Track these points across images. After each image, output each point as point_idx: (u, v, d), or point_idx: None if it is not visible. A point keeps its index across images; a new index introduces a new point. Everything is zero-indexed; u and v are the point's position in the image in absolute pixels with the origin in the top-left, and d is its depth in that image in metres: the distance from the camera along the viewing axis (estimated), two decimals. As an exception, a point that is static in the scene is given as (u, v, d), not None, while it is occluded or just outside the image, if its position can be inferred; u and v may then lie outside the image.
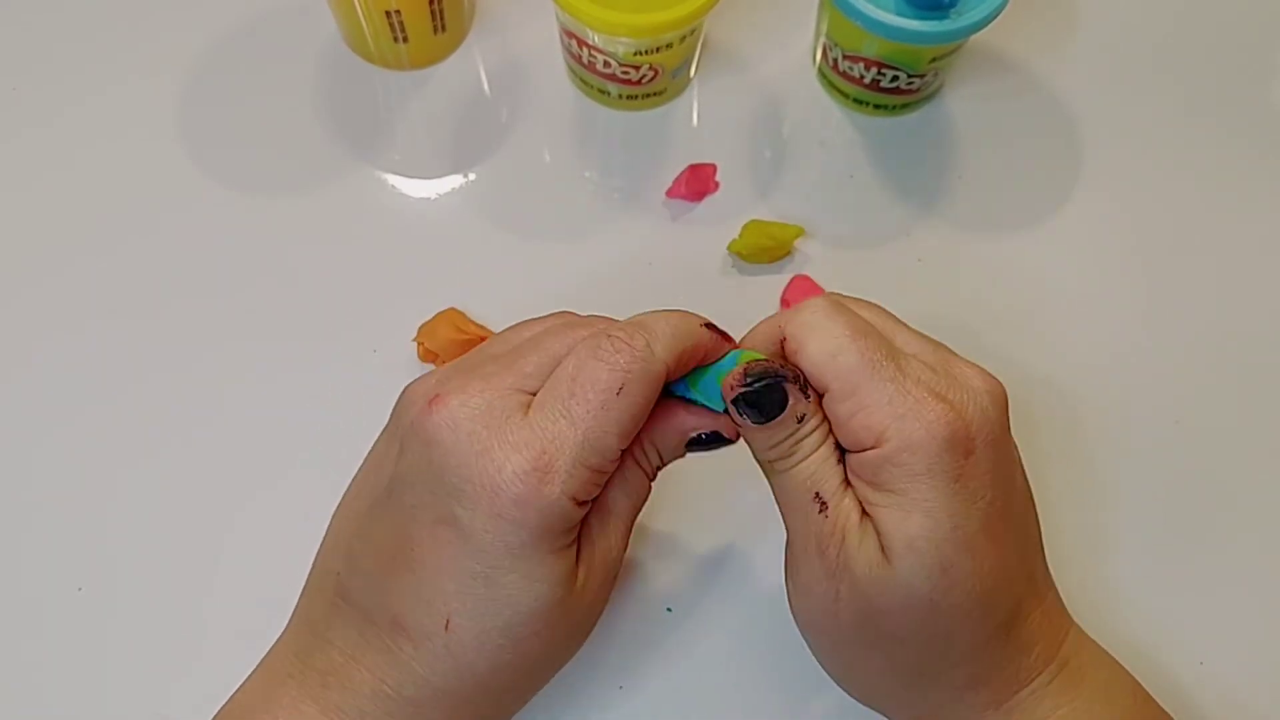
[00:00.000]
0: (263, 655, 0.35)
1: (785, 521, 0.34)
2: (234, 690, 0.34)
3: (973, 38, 0.47)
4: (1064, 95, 0.53)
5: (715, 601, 0.42)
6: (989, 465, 0.31)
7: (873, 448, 0.31)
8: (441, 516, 0.31)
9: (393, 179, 0.51)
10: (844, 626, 0.33)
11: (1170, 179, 0.51)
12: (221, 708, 0.34)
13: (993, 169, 0.51)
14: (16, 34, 0.54)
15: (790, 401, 0.32)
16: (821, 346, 0.32)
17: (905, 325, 0.35)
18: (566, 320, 0.35)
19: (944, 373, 0.32)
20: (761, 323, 0.34)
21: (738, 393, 0.32)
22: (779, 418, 0.32)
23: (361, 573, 0.33)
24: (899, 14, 0.45)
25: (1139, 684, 0.35)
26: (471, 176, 0.51)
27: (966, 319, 0.48)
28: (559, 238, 0.49)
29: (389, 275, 0.48)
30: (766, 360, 0.32)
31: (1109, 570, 0.43)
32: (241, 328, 0.47)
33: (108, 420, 0.45)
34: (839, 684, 0.36)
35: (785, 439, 0.33)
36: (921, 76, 0.50)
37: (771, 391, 0.32)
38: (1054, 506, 0.43)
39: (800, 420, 0.32)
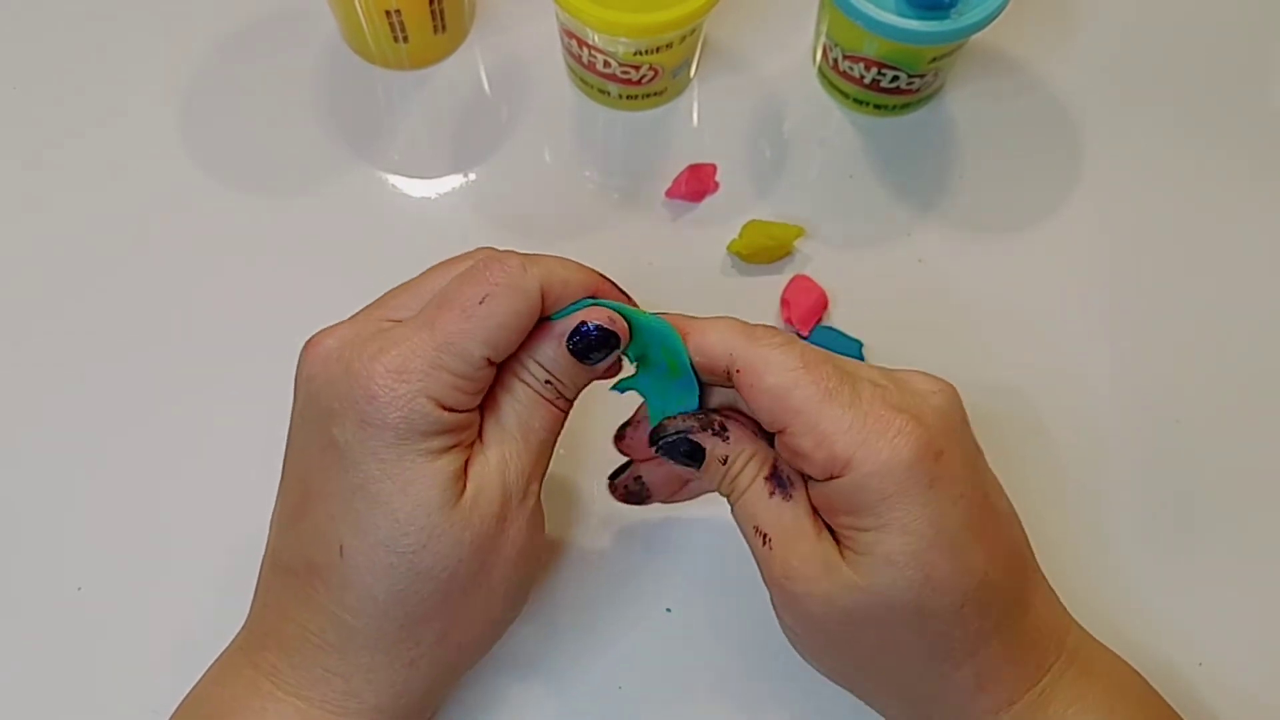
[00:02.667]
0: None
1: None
2: None
3: (973, 38, 0.47)
4: (1064, 95, 0.53)
5: (715, 601, 0.42)
6: (960, 461, 0.31)
7: (841, 475, 0.31)
8: (324, 443, 0.32)
9: (393, 179, 0.51)
10: (832, 645, 0.33)
11: (1170, 179, 0.51)
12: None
13: (993, 169, 0.51)
14: (16, 31, 0.54)
15: (707, 449, 0.34)
16: (778, 381, 0.31)
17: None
18: (447, 260, 0.35)
19: (894, 384, 0.32)
20: (712, 328, 0.33)
21: (657, 445, 0.34)
22: (703, 465, 0.34)
23: (281, 530, 0.34)
24: (899, 14, 0.45)
25: (1143, 677, 0.35)
26: (471, 176, 0.51)
27: (966, 319, 0.48)
28: (559, 238, 0.49)
29: (389, 275, 0.48)
30: (678, 419, 0.34)
31: (1105, 573, 0.43)
32: (241, 328, 0.47)
33: (108, 420, 0.45)
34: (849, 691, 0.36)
35: (721, 479, 0.34)
36: (921, 76, 0.50)
37: (679, 445, 0.34)
38: (1052, 506, 0.43)
39: (725, 462, 0.33)
